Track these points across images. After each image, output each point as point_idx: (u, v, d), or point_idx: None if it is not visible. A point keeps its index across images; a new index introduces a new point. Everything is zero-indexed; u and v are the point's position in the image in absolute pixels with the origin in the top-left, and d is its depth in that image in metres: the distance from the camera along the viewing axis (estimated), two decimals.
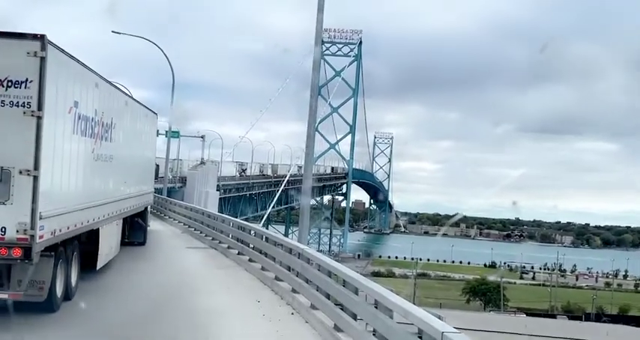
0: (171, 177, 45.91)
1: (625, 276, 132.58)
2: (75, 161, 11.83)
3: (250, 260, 17.83)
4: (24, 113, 9.68)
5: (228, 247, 20.75)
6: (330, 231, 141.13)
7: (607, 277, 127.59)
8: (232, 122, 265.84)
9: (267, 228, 39.48)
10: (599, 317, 79.50)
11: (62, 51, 10.61)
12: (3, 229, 9.70)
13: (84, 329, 10.45)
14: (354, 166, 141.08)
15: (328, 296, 10.91)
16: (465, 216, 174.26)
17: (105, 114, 13.72)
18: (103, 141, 13.83)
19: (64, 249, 11.69)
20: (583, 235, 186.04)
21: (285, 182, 63.68)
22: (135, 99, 19.38)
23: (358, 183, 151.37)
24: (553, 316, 77.15)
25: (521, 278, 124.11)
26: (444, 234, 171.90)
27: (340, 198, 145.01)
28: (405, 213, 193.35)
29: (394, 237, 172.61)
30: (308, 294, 12.11)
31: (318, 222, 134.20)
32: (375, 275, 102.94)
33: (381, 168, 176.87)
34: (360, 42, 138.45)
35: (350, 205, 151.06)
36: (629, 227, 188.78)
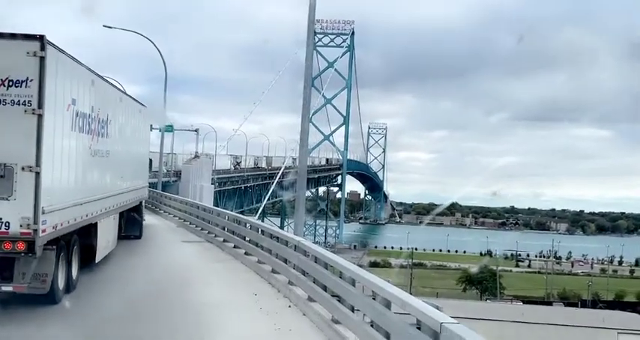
0: (165, 171, 46.04)
1: (620, 262, 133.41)
2: (74, 157, 12.13)
3: (246, 253, 17.91)
4: (25, 111, 9.99)
5: (224, 240, 20.85)
6: (326, 223, 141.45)
7: (602, 263, 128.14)
8: (226, 115, 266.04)
9: (262, 221, 39.65)
10: (595, 303, 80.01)
11: (60, 50, 10.90)
12: (7, 224, 10.04)
13: (86, 321, 10.64)
14: (348, 157, 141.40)
15: (325, 289, 10.98)
16: (456, 203, 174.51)
17: (101, 110, 13.97)
18: (100, 137, 14.09)
19: (65, 242, 11.99)
20: (578, 222, 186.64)
21: (279, 174, 63.85)
22: (128, 95, 19.61)
23: (353, 174, 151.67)
24: (549, 303, 77.62)
25: (517, 266, 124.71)
26: (440, 224, 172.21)
27: (335, 189, 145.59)
28: (401, 203, 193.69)
29: (390, 227, 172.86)
30: (305, 287, 12.17)
31: (314, 213, 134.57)
32: (372, 265, 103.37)
33: (375, 158, 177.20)
34: (353, 32, 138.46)
35: (345, 196, 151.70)
36: (624, 213, 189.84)
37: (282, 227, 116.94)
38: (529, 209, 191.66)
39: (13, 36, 10.11)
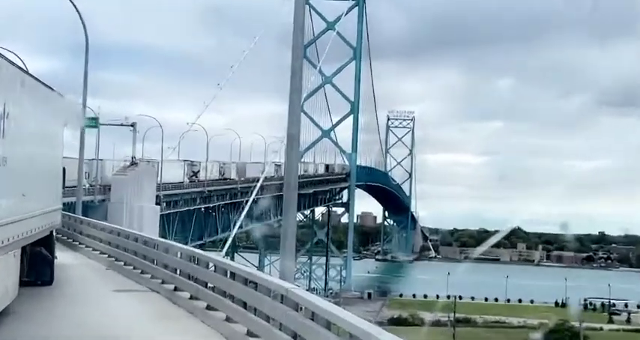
0: (87, 185, 46.03)
1: None
2: None
3: (209, 307, 17.97)
4: None
5: (176, 289, 20.96)
6: (327, 260, 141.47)
7: None
8: (177, 102, 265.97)
9: (232, 258, 39.63)
10: None
11: None
12: None
13: None
14: (358, 162, 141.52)
15: None
16: (519, 229, 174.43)
17: None
18: None
19: None
20: None
21: (256, 188, 63.73)
22: (33, 77, 19.55)
23: (365, 188, 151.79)
24: None
25: (610, 321, 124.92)
26: (495, 259, 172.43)
27: (340, 210, 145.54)
28: (436, 231, 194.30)
29: (421, 265, 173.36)
30: None
31: (309, 246, 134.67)
32: (395, 322, 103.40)
33: (398, 164, 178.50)
34: None
35: (354, 221, 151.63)
36: None
37: (261, 267, 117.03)
38: (626, 236, 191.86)
39: None
